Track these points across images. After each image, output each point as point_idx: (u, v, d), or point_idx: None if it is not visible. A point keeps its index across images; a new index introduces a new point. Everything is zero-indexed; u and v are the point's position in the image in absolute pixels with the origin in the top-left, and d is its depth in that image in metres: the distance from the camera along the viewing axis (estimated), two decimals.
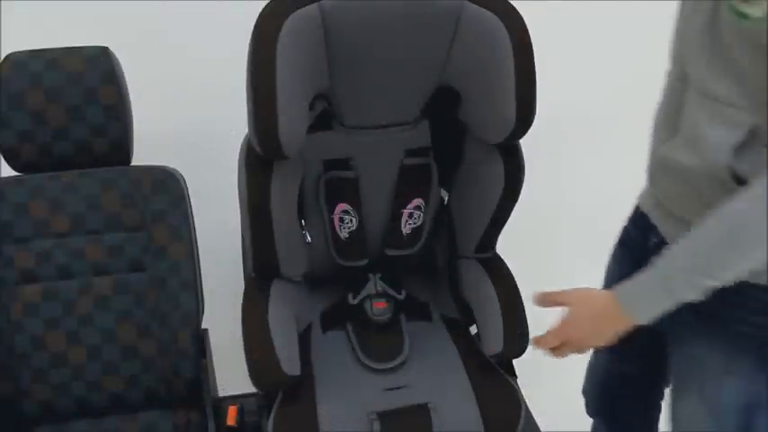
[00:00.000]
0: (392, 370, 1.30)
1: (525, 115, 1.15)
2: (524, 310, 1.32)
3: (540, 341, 1.10)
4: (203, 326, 1.42)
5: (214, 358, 1.49)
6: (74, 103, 1.33)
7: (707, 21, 0.92)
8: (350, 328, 1.35)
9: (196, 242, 1.42)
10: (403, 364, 1.31)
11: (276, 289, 1.31)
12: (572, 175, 2.22)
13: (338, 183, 1.32)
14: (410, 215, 1.35)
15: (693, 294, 0.94)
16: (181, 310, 1.38)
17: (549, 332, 1.08)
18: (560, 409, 1.49)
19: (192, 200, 1.43)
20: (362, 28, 1.09)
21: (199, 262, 1.42)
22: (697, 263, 0.92)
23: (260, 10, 1.18)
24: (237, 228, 1.48)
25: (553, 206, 2.13)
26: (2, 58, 1.34)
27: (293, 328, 1.30)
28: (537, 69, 1.13)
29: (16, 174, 1.39)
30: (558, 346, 1.07)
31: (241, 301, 1.46)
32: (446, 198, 1.41)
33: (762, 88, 0.86)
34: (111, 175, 1.39)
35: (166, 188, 1.39)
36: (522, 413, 1.25)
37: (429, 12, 1.09)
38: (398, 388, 1.27)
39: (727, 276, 0.92)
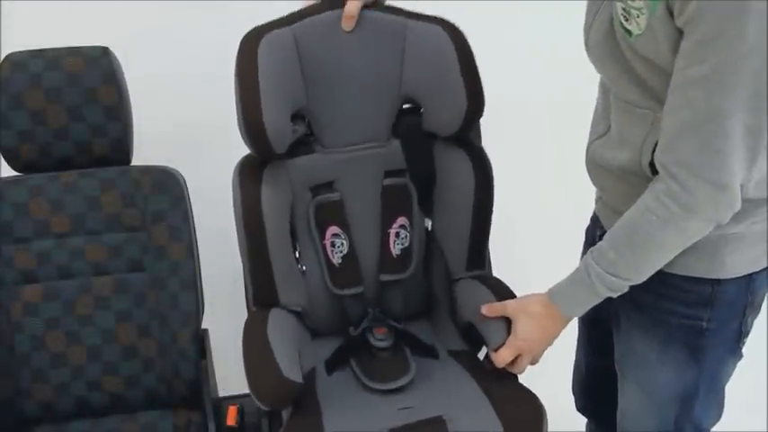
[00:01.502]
0: (400, 390, 1.29)
1: (476, 104, 1.30)
2: None
3: (497, 358, 1.19)
4: (203, 326, 1.43)
5: (214, 358, 1.48)
6: (74, 103, 1.33)
7: (607, 30, 0.96)
8: (354, 363, 1.35)
9: (196, 242, 1.42)
10: (411, 383, 1.30)
11: (275, 313, 1.32)
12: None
13: (325, 206, 1.36)
14: (397, 234, 1.38)
15: (613, 292, 1.02)
16: (181, 310, 1.38)
17: (503, 349, 1.17)
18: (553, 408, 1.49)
19: (192, 200, 1.43)
20: (327, 47, 1.27)
21: (199, 262, 1.42)
22: (609, 266, 1.00)
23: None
24: None
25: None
26: (2, 58, 1.34)
27: (293, 343, 1.30)
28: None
29: (16, 174, 1.39)
30: (515, 359, 1.17)
31: (240, 301, 1.47)
32: (429, 225, 1.45)
33: (661, 97, 0.92)
34: (111, 175, 1.39)
35: (166, 188, 1.39)
36: (545, 414, 1.23)
37: (377, 28, 1.28)
38: (408, 408, 1.26)
39: (635, 276, 1.00)
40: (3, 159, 1.37)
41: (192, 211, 1.42)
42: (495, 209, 1.40)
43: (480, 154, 1.37)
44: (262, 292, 1.33)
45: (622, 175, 1.04)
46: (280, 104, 1.23)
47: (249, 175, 1.29)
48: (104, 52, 1.35)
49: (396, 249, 1.40)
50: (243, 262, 1.33)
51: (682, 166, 0.89)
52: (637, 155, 1.00)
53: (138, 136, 1.43)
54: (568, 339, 1.48)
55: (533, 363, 1.20)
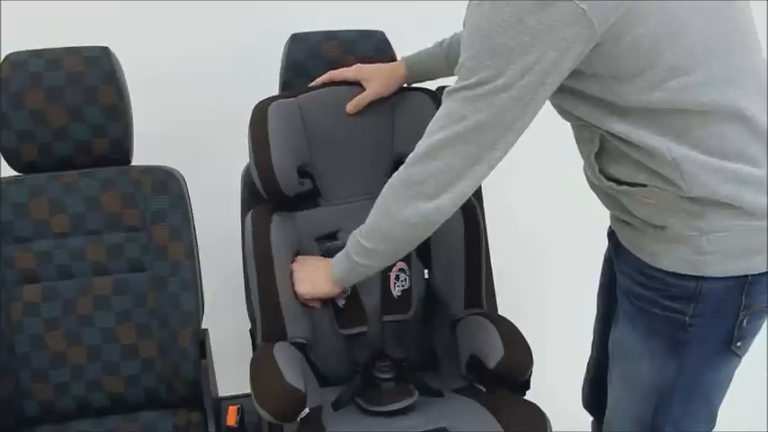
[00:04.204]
0: (403, 412, 1.33)
1: None
2: (524, 338, 1.33)
3: None
4: (203, 326, 1.43)
5: (214, 358, 1.49)
6: (74, 103, 1.33)
7: None
8: (359, 400, 1.38)
9: (196, 242, 1.42)
10: (414, 407, 1.34)
11: (282, 344, 1.35)
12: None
13: (330, 253, 1.41)
14: (397, 277, 1.46)
15: (356, 255, 1.20)
16: (181, 310, 1.38)
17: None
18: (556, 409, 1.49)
19: (192, 200, 1.43)
20: (327, 116, 1.45)
21: (199, 262, 1.42)
22: (361, 228, 1.20)
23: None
24: (237, 228, 1.48)
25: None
26: (2, 58, 1.34)
27: (298, 364, 1.33)
28: None
29: (16, 174, 1.39)
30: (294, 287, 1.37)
31: (240, 301, 1.47)
32: (426, 273, 1.52)
33: (581, 115, 1.03)
34: (111, 175, 1.39)
35: (166, 188, 1.39)
36: (548, 422, 1.25)
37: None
38: (412, 426, 1.29)
39: (369, 242, 1.17)
40: (3, 159, 1.37)
41: (192, 211, 1.42)
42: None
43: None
44: (270, 327, 1.37)
45: (602, 189, 1.10)
46: (287, 154, 1.39)
47: (260, 219, 1.39)
48: (104, 52, 1.36)
49: (396, 291, 1.46)
50: (253, 300, 1.39)
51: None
52: (590, 167, 1.08)
53: (138, 136, 1.43)
54: (569, 341, 1.49)
55: (297, 294, 1.37)
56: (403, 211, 1.10)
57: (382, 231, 1.16)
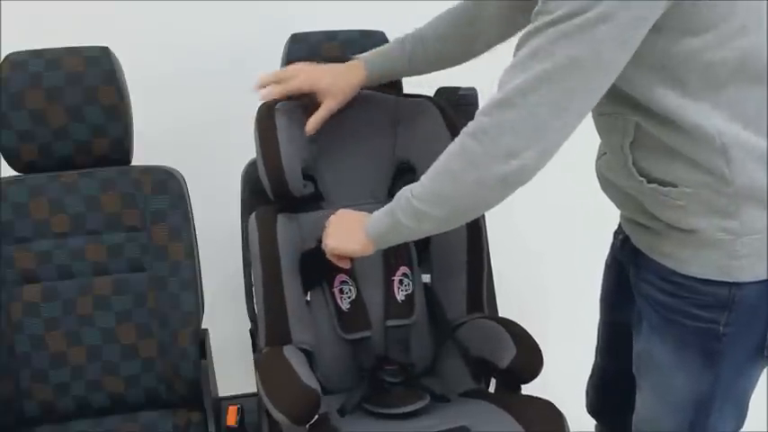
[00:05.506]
0: (416, 414, 1.32)
1: None
2: (532, 336, 1.33)
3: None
4: (203, 326, 1.43)
5: (214, 358, 1.49)
6: (74, 103, 1.33)
7: None
8: (368, 405, 1.37)
9: (196, 242, 1.42)
10: (426, 409, 1.33)
11: (289, 347, 1.34)
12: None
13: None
14: (400, 282, 1.46)
15: (406, 217, 1.05)
16: (181, 310, 1.38)
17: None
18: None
19: (192, 200, 1.43)
20: (330, 120, 1.40)
21: (199, 262, 1.42)
22: (414, 188, 1.05)
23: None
24: (237, 228, 1.48)
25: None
26: (2, 58, 1.34)
27: (306, 365, 1.32)
28: None
29: (16, 174, 1.39)
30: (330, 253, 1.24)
31: (240, 301, 1.47)
32: (427, 279, 1.51)
33: (626, 98, 0.95)
34: (111, 175, 1.39)
35: (166, 188, 1.39)
36: (565, 419, 1.24)
37: (372, 105, 1.47)
38: (429, 426, 1.28)
39: (427, 207, 1.03)
40: (3, 159, 1.37)
41: (192, 211, 1.42)
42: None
43: None
44: (275, 329, 1.36)
45: (621, 188, 1.06)
46: (294, 154, 1.39)
47: (266, 220, 1.38)
48: (104, 52, 1.36)
49: (400, 295, 1.46)
50: (256, 302, 1.38)
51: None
52: (621, 159, 1.01)
53: (138, 136, 1.43)
54: (569, 343, 1.48)
55: (325, 248, 1.25)
56: (472, 171, 0.95)
57: (442, 194, 1.01)
